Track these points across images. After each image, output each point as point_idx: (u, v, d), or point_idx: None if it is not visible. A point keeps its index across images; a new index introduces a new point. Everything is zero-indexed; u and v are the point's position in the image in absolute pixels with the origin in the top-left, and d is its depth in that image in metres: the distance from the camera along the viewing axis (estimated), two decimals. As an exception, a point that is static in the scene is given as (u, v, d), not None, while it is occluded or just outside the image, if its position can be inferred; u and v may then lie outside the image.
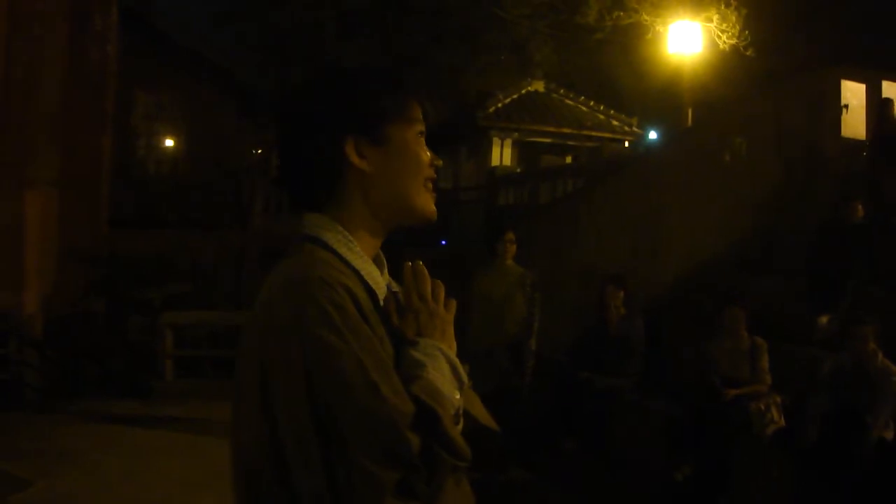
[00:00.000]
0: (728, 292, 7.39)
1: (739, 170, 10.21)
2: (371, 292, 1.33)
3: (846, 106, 10.82)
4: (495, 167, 16.80)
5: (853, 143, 10.94)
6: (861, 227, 8.35)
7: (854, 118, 10.88)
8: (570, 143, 20.68)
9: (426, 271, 1.43)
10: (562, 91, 20.69)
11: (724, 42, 15.15)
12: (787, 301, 8.25)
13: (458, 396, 1.32)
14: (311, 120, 1.38)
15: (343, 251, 1.34)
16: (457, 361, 1.35)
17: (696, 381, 6.58)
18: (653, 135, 23.40)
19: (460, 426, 1.33)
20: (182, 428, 6.85)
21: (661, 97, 17.58)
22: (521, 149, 20.55)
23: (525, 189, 14.17)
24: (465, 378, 1.36)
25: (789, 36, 16.04)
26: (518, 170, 16.99)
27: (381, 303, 1.35)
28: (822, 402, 5.69)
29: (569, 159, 20.38)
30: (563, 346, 7.68)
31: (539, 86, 20.63)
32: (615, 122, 21.00)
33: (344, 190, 1.39)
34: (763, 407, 6.15)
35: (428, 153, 1.45)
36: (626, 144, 21.20)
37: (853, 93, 10.86)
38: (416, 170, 1.42)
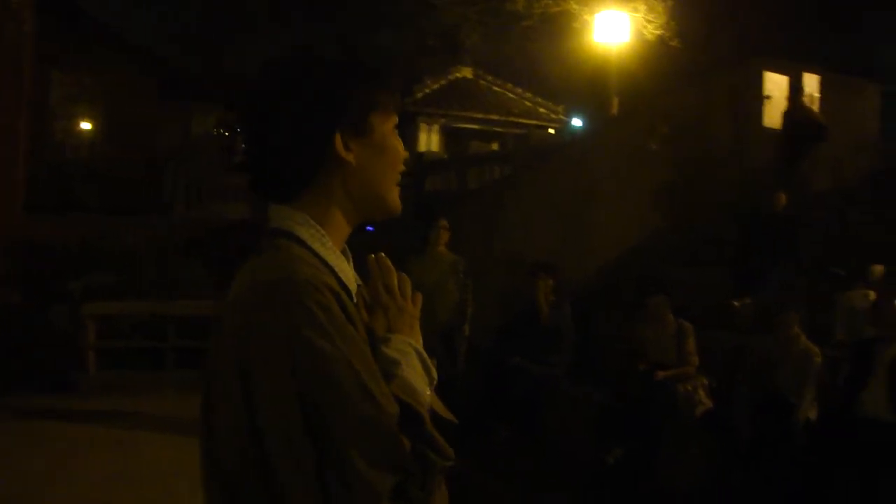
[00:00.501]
0: (654, 278, 7.53)
1: (665, 159, 10.38)
2: (346, 289, 1.29)
3: (768, 97, 11.09)
4: (423, 153, 16.78)
5: (775, 133, 11.22)
6: (783, 217, 8.58)
7: (776, 109, 11.14)
8: (498, 129, 20.78)
9: (391, 264, 1.40)
10: (490, 78, 20.76)
11: (651, 33, 15.38)
12: (709, 288, 8.44)
13: (428, 393, 1.30)
14: (299, 110, 1.31)
15: (318, 247, 1.30)
16: (427, 357, 1.32)
17: (624, 365, 6.70)
18: (577, 122, 23.66)
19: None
20: (110, 422, 6.64)
21: (588, 86, 17.76)
22: (449, 135, 20.57)
23: (453, 175, 14.19)
24: (434, 374, 1.33)
25: (713, 28, 16.36)
26: (445, 156, 17.00)
27: (354, 299, 1.31)
28: (751, 386, 5.86)
29: (495, 146, 20.48)
30: (491, 332, 7.70)
31: (467, 72, 20.67)
32: (542, 110, 21.18)
33: (323, 182, 1.34)
34: (690, 389, 6.30)
35: (402, 146, 1.42)
36: (552, 132, 21.40)
37: (775, 84, 11.13)
38: (395, 163, 1.40)
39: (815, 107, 11.23)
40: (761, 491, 5.41)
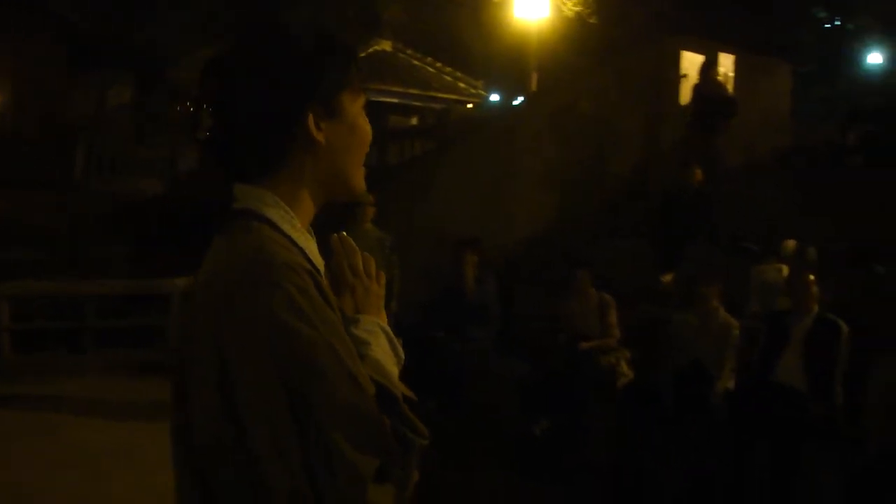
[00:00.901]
0: (576, 252, 7.70)
1: (585, 135, 10.54)
2: (317, 271, 1.28)
3: (685, 75, 11.33)
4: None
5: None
6: (700, 192, 8.83)
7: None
8: (417, 104, 20.71)
9: (354, 244, 1.40)
10: (409, 52, 20.66)
11: (569, 9, 15.56)
12: (630, 262, 8.65)
13: (396, 372, 1.31)
14: (270, 88, 1.29)
15: (287, 229, 1.28)
16: (394, 337, 1.34)
17: (548, 338, 6.84)
18: (495, 97, 23.77)
19: None
20: (32, 406, 6.46)
21: (507, 61, 17.87)
22: (367, 108, 20.35)
23: (373, 150, 14.04)
24: (401, 353, 1.34)
25: (630, 5, 16.62)
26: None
27: (323, 281, 1.29)
28: (673, 358, 6.07)
29: (414, 120, 20.45)
30: (415, 308, 7.75)
31: (386, 45, 20.52)
32: (462, 85, 21.21)
33: (293, 162, 1.31)
34: (613, 361, 6.50)
35: (369, 125, 1.41)
36: (470, 106, 21.46)
37: (691, 63, 11.36)
38: (363, 144, 1.39)
39: (730, 86, 11.54)
40: (683, 459, 5.63)
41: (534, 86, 14.96)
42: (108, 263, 10.48)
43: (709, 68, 10.33)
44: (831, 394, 5.32)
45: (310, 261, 1.27)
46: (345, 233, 1.41)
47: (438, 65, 20.90)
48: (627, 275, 8.16)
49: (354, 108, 1.37)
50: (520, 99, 19.03)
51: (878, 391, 4.95)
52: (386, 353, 1.30)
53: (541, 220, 10.21)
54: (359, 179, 1.39)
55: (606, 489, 5.60)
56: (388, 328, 1.34)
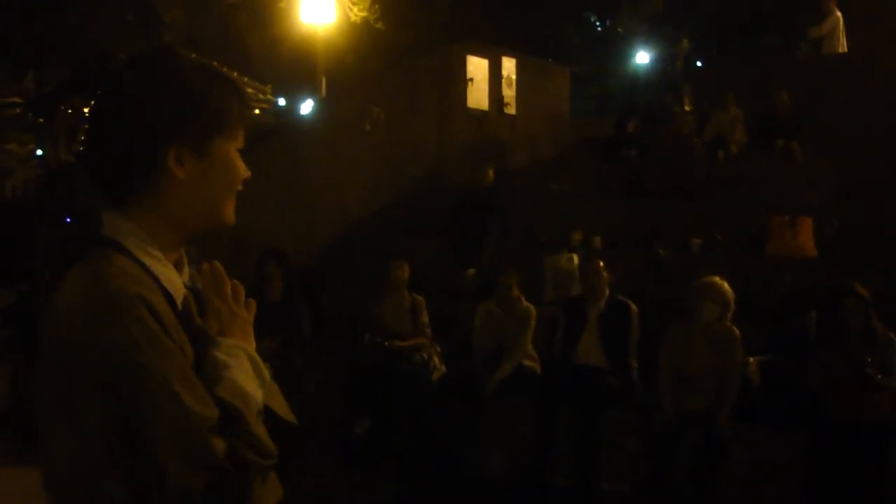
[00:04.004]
0: (386, 254, 7.86)
1: (379, 139, 10.75)
2: (170, 298, 1.33)
3: (471, 79, 11.80)
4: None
5: (478, 113, 12.00)
6: (492, 189, 9.26)
7: (478, 90, 11.90)
8: (203, 110, 20.15)
9: (223, 271, 1.43)
10: (193, 56, 20.02)
11: (356, 14, 15.69)
12: (432, 260, 8.93)
13: (260, 394, 1.34)
14: (141, 117, 1.32)
15: (142, 257, 1.32)
16: (258, 359, 1.37)
17: (362, 338, 6.97)
18: (282, 102, 23.56)
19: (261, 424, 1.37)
20: None
21: (295, 66, 17.77)
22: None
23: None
24: (266, 375, 1.38)
25: (415, 11, 17.01)
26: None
27: (179, 306, 1.35)
28: (479, 344, 6.42)
29: (202, 127, 19.86)
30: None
31: (168, 50, 19.81)
32: (249, 90, 20.83)
33: (155, 192, 1.35)
34: (426, 356, 6.72)
35: (243, 166, 1.44)
36: (258, 112, 21.16)
37: (477, 67, 11.86)
38: (233, 185, 1.42)
39: (513, 88, 12.17)
40: (503, 436, 5.99)
41: (324, 91, 15.01)
42: None
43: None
44: (627, 367, 5.84)
45: (164, 288, 1.32)
46: (217, 262, 1.45)
47: (224, 69, 20.41)
48: (429, 271, 8.42)
49: (226, 149, 1.40)
50: (309, 103, 19.00)
51: (665, 360, 5.47)
52: (247, 375, 1.33)
53: (341, 223, 10.31)
54: (227, 214, 1.43)
55: (429, 479, 5.83)
56: (252, 351, 1.37)
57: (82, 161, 1.38)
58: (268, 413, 1.39)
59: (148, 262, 1.32)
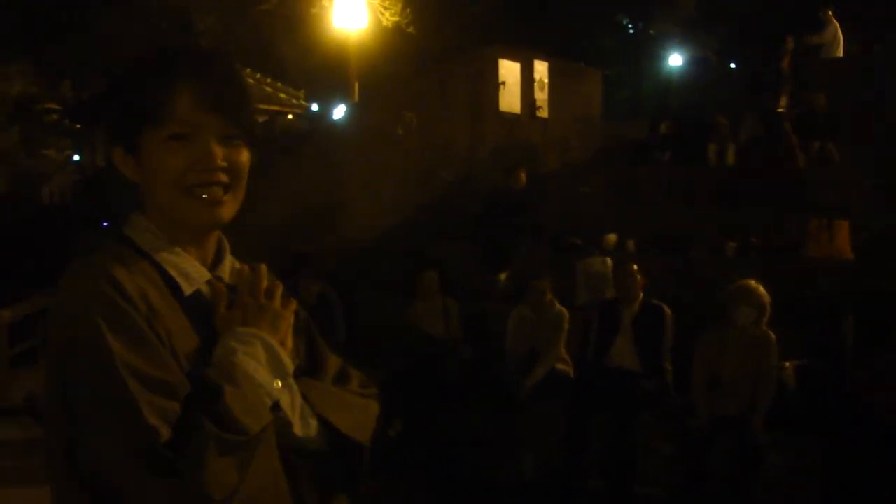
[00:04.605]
0: (419, 258, 7.90)
1: (412, 143, 10.79)
2: (174, 284, 1.35)
3: (503, 83, 11.80)
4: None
5: (510, 117, 12.00)
6: (524, 192, 9.25)
7: (510, 94, 11.92)
8: (237, 115, 20.31)
9: (265, 272, 1.42)
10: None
11: (388, 19, 15.78)
12: (464, 263, 8.94)
13: (277, 385, 1.32)
14: (107, 121, 1.43)
15: (150, 249, 1.36)
16: (279, 350, 1.35)
17: (397, 342, 7.00)
18: (315, 107, 23.72)
19: (300, 422, 1.36)
20: None
21: (328, 71, 17.90)
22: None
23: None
24: (287, 366, 1.36)
25: (446, 15, 17.05)
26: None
27: (187, 292, 1.36)
28: (512, 348, 6.42)
29: (237, 133, 20.02)
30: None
31: (203, 57, 20.02)
32: (283, 95, 21.05)
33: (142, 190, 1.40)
34: (459, 360, 6.74)
35: (180, 159, 1.33)
36: (291, 117, 21.34)
37: (509, 71, 11.86)
38: (165, 178, 1.34)
39: (545, 92, 12.15)
40: (535, 440, 5.99)
41: (356, 96, 15.09)
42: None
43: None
44: (661, 371, 5.80)
45: (166, 274, 1.35)
46: (263, 265, 1.44)
47: (258, 76, 20.63)
48: (461, 275, 8.43)
49: (153, 142, 1.33)
50: (342, 108, 19.10)
51: (699, 364, 5.43)
52: (255, 361, 1.31)
53: (374, 227, 10.36)
54: (185, 212, 1.36)
55: (461, 482, 5.85)
56: (272, 342, 1.35)
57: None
58: (328, 428, 1.39)
59: (156, 253, 1.35)
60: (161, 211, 1.36)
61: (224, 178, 1.36)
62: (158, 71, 1.33)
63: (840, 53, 13.05)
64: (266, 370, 1.32)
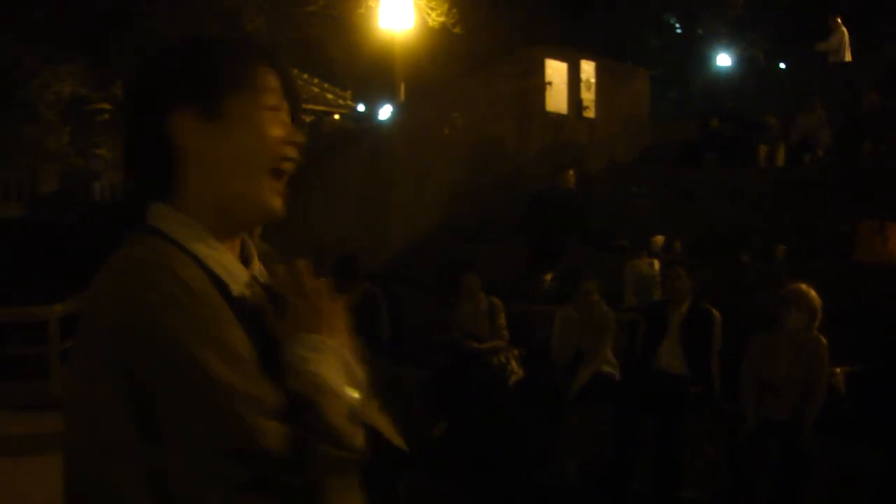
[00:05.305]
0: (457, 256, 7.90)
1: (458, 143, 10.81)
2: (220, 283, 1.19)
3: (550, 83, 11.78)
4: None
5: (557, 117, 11.97)
6: (572, 193, 9.23)
7: (557, 94, 11.89)
8: (285, 116, 20.53)
9: (303, 269, 1.28)
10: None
11: (434, 20, 15.82)
12: (510, 264, 8.94)
13: (354, 394, 1.19)
14: (140, 88, 1.22)
15: (186, 242, 1.19)
16: (349, 356, 1.23)
17: (440, 342, 7.01)
18: (361, 107, 23.88)
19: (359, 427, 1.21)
20: None
21: (374, 71, 18.00)
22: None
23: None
24: (360, 375, 1.23)
25: (493, 16, 17.05)
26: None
27: (235, 293, 1.20)
28: (558, 349, 6.39)
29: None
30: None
31: (251, 57, 20.27)
32: (330, 96, 21.22)
33: (180, 173, 1.21)
34: (504, 360, 6.73)
35: (280, 129, 1.24)
36: (337, 117, 21.50)
37: (555, 70, 11.83)
38: (257, 150, 1.22)
39: (592, 92, 12.09)
40: (580, 443, 5.96)
41: (402, 96, 15.15)
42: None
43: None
44: (709, 376, 5.74)
45: (210, 272, 1.18)
46: (299, 261, 1.30)
47: (305, 76, 20.83)
48: (507, 276, 8.43)
49: (247, 108, 1.21)
50: (387, 109, 19.19)
51: (749, 369, 5.36)
52: (331, 369, 1.17)
53: (420, 227, 10.40)
54: (259, 196, 1.23)
55: (505, 483, 5.83)
56: (340, 347, 1.22)
57: (124, 171, 1.26)
58: (374, 434, 1.25)
59: (193, 246, 1.18)
60: (219, 194, 1.21)
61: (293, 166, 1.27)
62: (242, 45, 1.25)
63: (848, 59, 13.65)
64: (340, 377, 1.19)
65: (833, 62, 13.67)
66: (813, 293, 5.26)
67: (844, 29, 13.76)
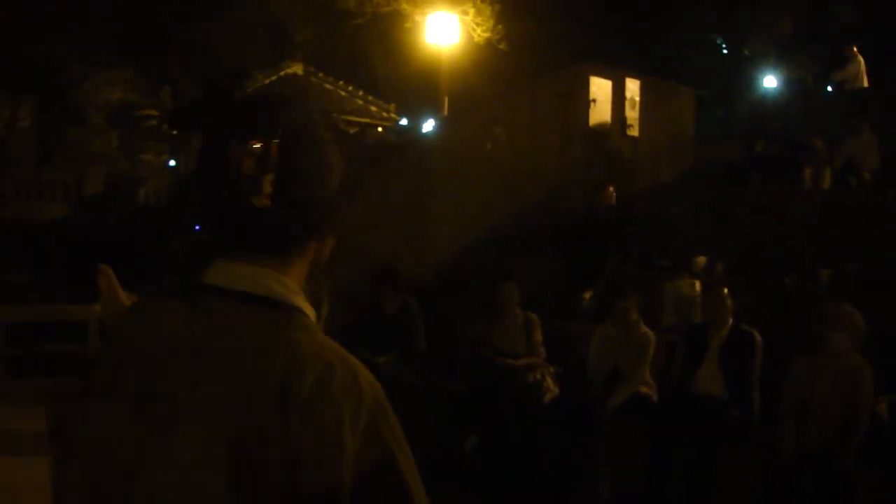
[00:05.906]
0: (501, 272, 7.87)
1: (500, 158, 10.80)
2: None
3: (594, 100, 11.73)
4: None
5: (600, 134, 11.91)
6: (613, 211, 9.15)
7: (600, 111, 11.84)
8: (329, 128, 20.69)
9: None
10: (321, 74, 20.68)
11: (479, 35, 15.88)
12: (549, 280, 8.88)
13: None
14: (329, 178, 1.22)
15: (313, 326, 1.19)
16: None
17: (475, 356, 6.98)
18: (404, 121, 24.00)
19: None
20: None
21: (419, 85, 18.09)
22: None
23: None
24: None
25: (538, 32, 17.06)
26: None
27: None
28: (594, 367, 6.32)
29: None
30: (337, 330, 7.74)
31: (298, 68, 20.50)
32: (374, 108, 21.34)
33: (310, 246, 1.24)
34: (539, 377, 6.67)
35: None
36: (381, 130, 21.62)
37: (600, 87, 11.79)
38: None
39: (636, 110, 12.02)
40: (613, 463, 5.88)
41: (446, 110, 15.21)
42: (13, 289, 10.18)
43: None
44: (748, 400, 5.63)
45: None
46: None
47: (350, 88, 20.98)
48: (545, 292, 8.37)
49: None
50: (431, 123, 19.27)
51: (789, 392, 5.25)
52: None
53: (460, 240, 10.39)
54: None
55: (536, 501, 5.78)
56: None
57: (260, 216, 1.15)
58: None
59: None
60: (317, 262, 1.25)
61: None
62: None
63: (865, 85, 14.03)
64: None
65: (849, 91, 14.13)
66: (857, 314, 5.15)
67: (861, 58, 14.19)
